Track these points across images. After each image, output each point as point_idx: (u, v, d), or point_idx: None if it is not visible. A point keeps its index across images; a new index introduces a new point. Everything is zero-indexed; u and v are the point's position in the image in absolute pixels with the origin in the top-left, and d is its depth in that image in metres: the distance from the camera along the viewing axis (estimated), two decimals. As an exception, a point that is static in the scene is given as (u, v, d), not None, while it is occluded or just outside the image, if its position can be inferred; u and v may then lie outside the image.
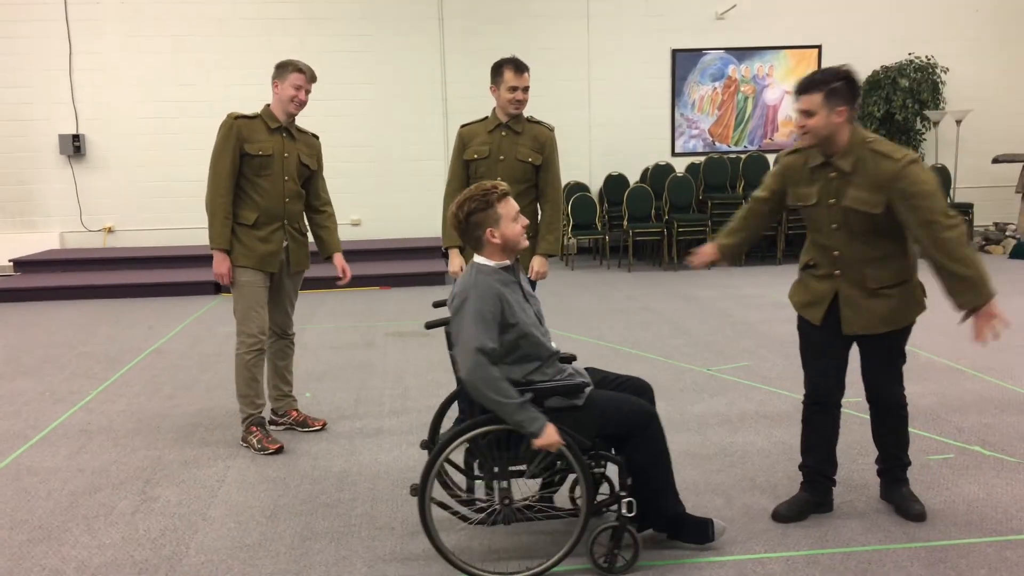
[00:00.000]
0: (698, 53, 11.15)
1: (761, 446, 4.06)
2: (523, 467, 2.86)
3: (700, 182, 10.35)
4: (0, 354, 6.26)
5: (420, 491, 2.78)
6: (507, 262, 2.87)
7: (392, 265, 9.45)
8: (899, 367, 3.20)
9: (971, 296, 2.84)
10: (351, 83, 10.51)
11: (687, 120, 11.30)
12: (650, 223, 10.02)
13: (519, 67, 3.96)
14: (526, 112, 4.14)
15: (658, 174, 10.53)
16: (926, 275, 3.49)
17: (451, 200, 4.22)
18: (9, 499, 3.61)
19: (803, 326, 3.24)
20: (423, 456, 4.03)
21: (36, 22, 10.08)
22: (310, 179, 4.33)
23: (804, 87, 2.95)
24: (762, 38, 11.15)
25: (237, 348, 4.12)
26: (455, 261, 4.10)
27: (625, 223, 10.00)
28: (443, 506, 3.02)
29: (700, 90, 11.26)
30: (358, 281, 8.84)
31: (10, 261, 9.64)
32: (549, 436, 2.70)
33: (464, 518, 3.09)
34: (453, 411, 3.27)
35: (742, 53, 11.19)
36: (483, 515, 2.95)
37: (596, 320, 7.11)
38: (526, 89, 3.99)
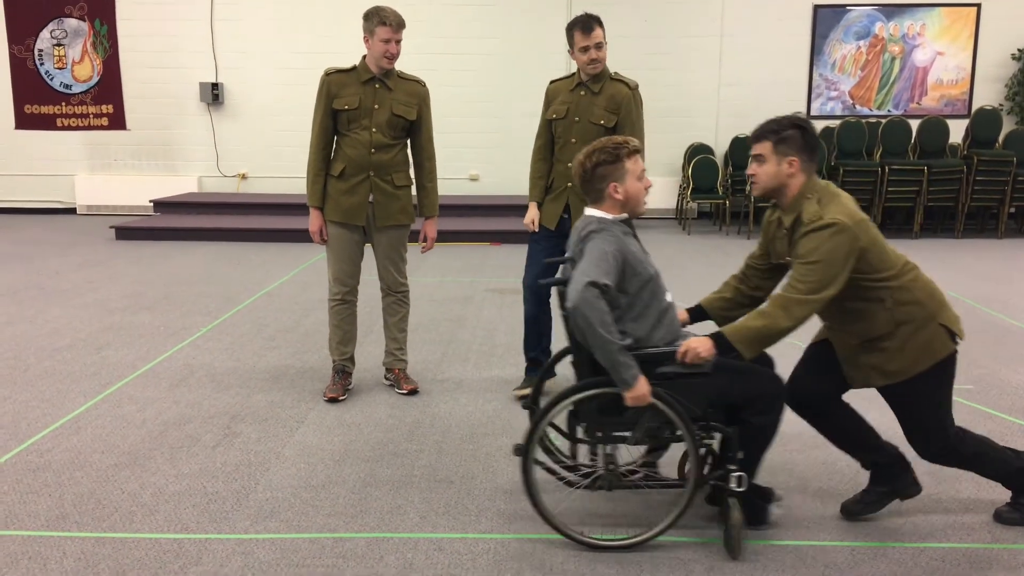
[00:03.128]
0: (842, 9, 10.45)
1: (851, 430, 3.81)
2: (627, 433, 2.76)
3: (833, 147, 9.77)
4: (129, 288, 6.69)
5: (523, 452, 2.74)
6: (625, 215, 2.82)
7: (504, 221, 9.44)
8: (927, 422, 2.79)
9: (746, 343, 2.66)
10: (478, 37, 10.49)
11: (826, 81, 10.66)
12: (776, 189, 9.55)
13: (586, 26, 3.87)
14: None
15: (789, 138, 10.00)
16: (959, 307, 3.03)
17: (536, 157, 4.18)
18: (107, 425, 3.86)
19: None
20: (496, 412, 4.03)
21: (182, -26, 10.57)
22: (412, 130, 4.22)
23: (756, 133, 2.76)
24: (915, -7, 10.34)
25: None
26: (531, 213, 4.12)
27: (748, 188, 9.59)
28: (549, 470, 2.99)
29: (842, 49, 10.58)
30: (470, 236, 8.91)
31: (151, 202, 10.26)
32: (640, 389, 2.59)
33: (568, 483, 3.05)
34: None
35: (891, 10, 10.42)
36: (586, 480, 2.89)
37: (705, 288, 6.88)
38: (599, 46, 3.89)
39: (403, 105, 4.10)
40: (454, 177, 10.20)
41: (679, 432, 2.69)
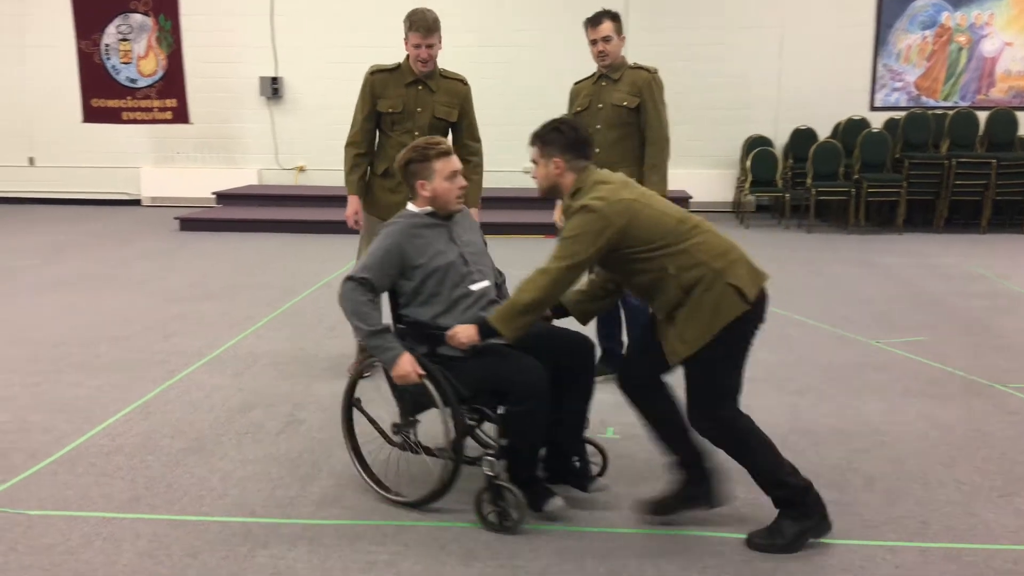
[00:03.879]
0: (908, -2, 10.20)
1: (919, 429, 3.73)
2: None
3: (899, 139, 9.53)
4: (193, 278, 6.84)
5: (347, 404, 3.18)
6: (430, 209, 3.02)
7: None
8: (709, 387, 2.71)
9: (501, 322, 2.73)
10: (535, 29, 10.47)
11: (890, 71, 10.42)
12: (837, 182, 9.38)
13: (594, 21, 4.07)
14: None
15: (851, 129, 9.80)
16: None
17: None
18: (176, 410, 3.96)
19: None
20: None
21: (244, -31, 10.75)
22: (455, 128, 4.25)
23: (530, 138, 2.90)
24: (985, -19, 10.04)
25: None
26: (558, 211, 4.16)
27: (809, 180, 9.42)
28: (372, 421, 3.22)
29: (908, 39, 10.32)
30: (523, 229, 8.93)
31: (213, 194, 10.48)
32: (401, 368, 2.81)
33: (390, 442, 3.21)
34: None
35: (959, -1, 10.13)
36: (399, 444, 3.13)
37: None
38: (607, 39, 4.06)
39: (444, 107, 4.16)
40: (506, 169, 10.18)
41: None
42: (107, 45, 11.11)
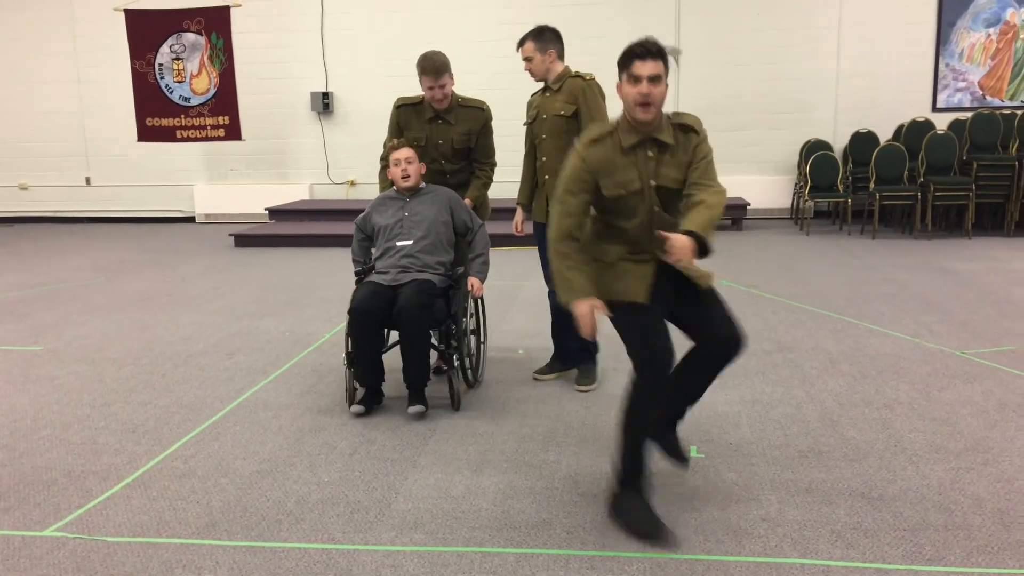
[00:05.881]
0: (970, -5, 9.90)
1: (1022, 444, 3.52)
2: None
3: (965, 141, 9.22)
4: (252, 294, 6.83)
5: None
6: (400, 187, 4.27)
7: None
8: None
9: (704, 230, 2.74)
10: (585, 36, 10.35)
11: (953, 71, 10.11)
12: (901, 186, 9.10)
13: (518, 43, 4.27)
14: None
15: (914, 131, 9.51)
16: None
17: (525, 162, 4.49)
18: (245, 431, 3.89)
19: None
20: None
21: (294, -14, 10.82)
22: (474, 148, 4.55)
23: (651, 50, 2.90)
24: (1052, -25, 9.70)
25: None
26: (516, 217, 4.59)
27: (871, 185, 9.15)
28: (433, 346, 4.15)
29: (971, 37, 10.02)
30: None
31: (265, 209, 10.52)
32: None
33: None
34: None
35: (1025, -7, 9.80)
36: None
37: (830, 291, 6.57)
38: (528, 59, 4.26)
39: (463, 136, 4.47)
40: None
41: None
42: (161, 65, 11.25)
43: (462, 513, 3.06)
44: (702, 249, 2.65)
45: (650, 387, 2.80)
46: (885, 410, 3.97)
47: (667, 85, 2.84)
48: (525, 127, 4.45)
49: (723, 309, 2.91)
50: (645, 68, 2.76)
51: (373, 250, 4.31)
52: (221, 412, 4.13)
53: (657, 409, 2.91)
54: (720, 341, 2.87)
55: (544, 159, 4.29)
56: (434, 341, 4.23)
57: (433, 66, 4.26)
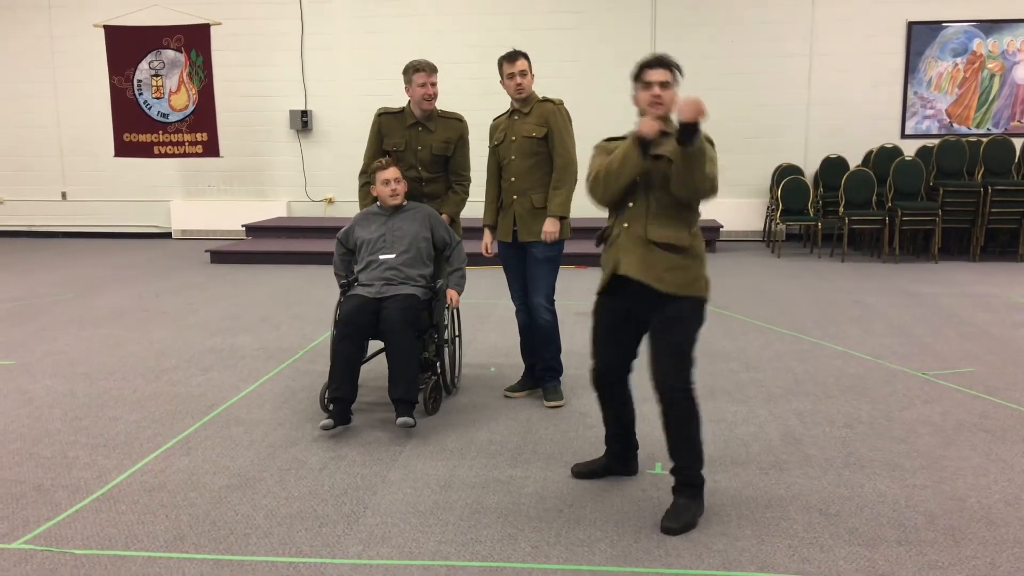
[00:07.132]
0: (938, 26, 10.16)
1: (976, 463, 3.62)
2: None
3: (932, 167, 9.42)
4: (227, 311, 6.85)
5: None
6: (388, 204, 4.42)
7: (588, 245, 9.37)
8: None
9: None
10: (560, 60, 10.51)
11: (921, 99, 10.35)
12: (870, 210, 9.28)
13: (511, 57, 4.33)
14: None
15: (883, 157, 9.72)
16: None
17: (488, 184, 4.58)
18: (216, 445, 3.92)
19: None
20: (598, 438, 3.95)
21: (272, 4, 10.89)
22: (449, 159, 4.66)
23: (661, 62, 3.19)
24: (1014, 9, 9.97)
25: None
26: (485, 238, 4.63)
27: (841, 209, 9.33)
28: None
29: (939, 66, 10.27)
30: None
31: (243, 226, 10.54)
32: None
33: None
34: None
35: (989, 26, 10.08)
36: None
37: (799, 312, 6.69)
38: (523, 73, 4.32)
39: (442, 144, 4.60)
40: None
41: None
42: (140, 81, 11.27)
43: (429, 527, 3.10)
44: (693, 131, 2.86)
45: (594, 388, 3.35)
46: (846, 429, 4.07)
47: (676, 93, 3.12)
48: (490, 149, 4.55)
49: (668, 346, 3.06)
50: (655, 75, 3.09)
51: (355, 266, 4.44)
52: (192, 427, 4.16)
53: (608, 411, 3.41)
54: (653, 378, 3.09)
55: (513, 179, 4.40)
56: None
57: (428, 62, 4.51)
